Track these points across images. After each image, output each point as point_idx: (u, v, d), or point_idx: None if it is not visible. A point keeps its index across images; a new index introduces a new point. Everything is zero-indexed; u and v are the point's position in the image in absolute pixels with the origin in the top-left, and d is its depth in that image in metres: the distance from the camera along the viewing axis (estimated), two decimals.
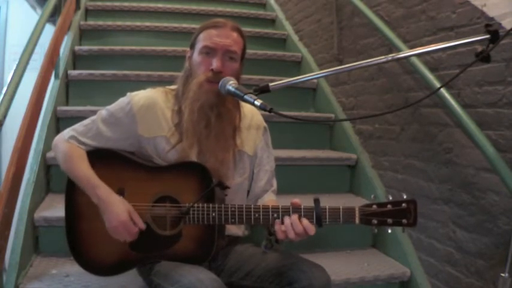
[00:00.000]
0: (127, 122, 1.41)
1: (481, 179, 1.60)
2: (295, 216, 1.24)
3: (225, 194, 1.38)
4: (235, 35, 1.40)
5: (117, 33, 3.27)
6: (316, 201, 1.25)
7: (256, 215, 1.29)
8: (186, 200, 1.33)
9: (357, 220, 1.25)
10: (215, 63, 1.35)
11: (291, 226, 1.23)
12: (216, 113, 1.37)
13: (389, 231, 1.27)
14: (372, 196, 1.32)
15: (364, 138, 2.43)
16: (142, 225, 1.32)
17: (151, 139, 1.41)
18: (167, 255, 1.35)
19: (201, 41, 1.39)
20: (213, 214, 1.30)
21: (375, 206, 1.25)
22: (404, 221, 1.23)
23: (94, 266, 1.41)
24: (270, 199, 1.51)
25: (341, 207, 1.25)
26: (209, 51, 1.37)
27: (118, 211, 1.30)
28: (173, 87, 1.48)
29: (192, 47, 1.44)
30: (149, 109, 1.41)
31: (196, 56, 1.40)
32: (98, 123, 1.42)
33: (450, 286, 1.74)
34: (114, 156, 1.41)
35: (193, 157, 1.39)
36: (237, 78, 1.38)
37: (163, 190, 1.35)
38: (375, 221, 1.24)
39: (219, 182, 1.33)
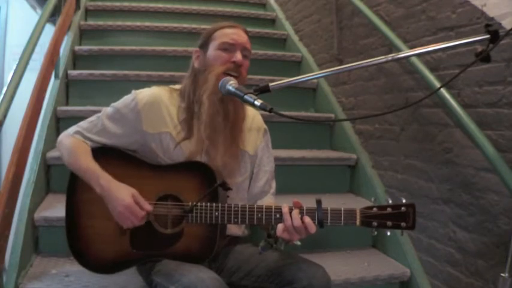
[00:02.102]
0: (132, 118, 1.42)
1: (481, 179, 1.60)
2: (296, 215, 1.24)
3: (227, 195, 1.38)
4: (246, 36, 1.47)
5: (117, 33, 3.27)
6: (318, 202, 1.25)
7: (259, 215, 1.29)
8: (189, 199, 1.33)
9: (358, 222, 1.26)
10: (237, 57, 1.40)
11: (292, 224, 1.23)
12: (233, 105, 1.40)
13: (389, 233, 1.28)
14: (373, 199, 1.33)
15: (364, 138, 2.43)
16: (149, 207, 1.32)
17: (157, 135, 1.42)
18: (168, 253, 1.35)
19: (218, 39, 1.43)
20: (216, 213, 1.30)
21: (375, 209, 1.26)
22: (403, 224, 1.25)
23: (94, 264, 1.41)
24: (270, 202, 1.51)
25: (342, 209, 1.26)
26: (228, 47, 1.42)
27: (122, 196, 1.30)
28: (177, 86, 1.50)
29: (204, 46, 1.46)
30: (154, 105, 1.42)
31: (213, 52, 1.43)
32: (103, 119, 1.44)
33: (450, 286, 1.74)
34: (117, 154, 1.42)
35: (202, 150, 1.40)
36: (246, 77, 1.44)
37: (166, 188, 1.36)
38: (375, 223, 1.25)
39: (222, 181, 1.33)
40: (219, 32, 1.44)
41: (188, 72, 1.48)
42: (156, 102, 1.43)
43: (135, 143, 1.44)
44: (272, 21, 3.80)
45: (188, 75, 1.48)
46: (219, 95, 1.36)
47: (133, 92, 1.46)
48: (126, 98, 1.45)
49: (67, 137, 1.44)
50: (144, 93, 1.44)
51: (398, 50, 1.93)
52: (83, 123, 1.46)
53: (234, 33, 1.43)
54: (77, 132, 1.44)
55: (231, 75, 1.36)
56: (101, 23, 3.32)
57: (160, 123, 1.42)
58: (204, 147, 1.40)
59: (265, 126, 1.59)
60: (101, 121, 1.44)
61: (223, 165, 1.39)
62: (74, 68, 2.87)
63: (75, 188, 1.40)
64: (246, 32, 1.48)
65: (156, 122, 1.42)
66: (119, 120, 1.43)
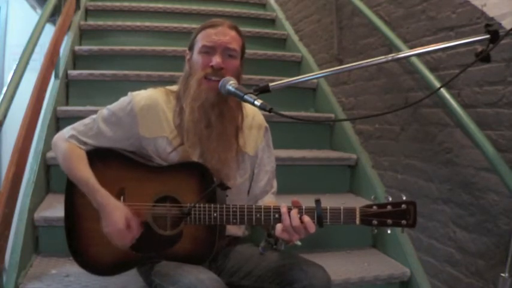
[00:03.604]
0: (128, 122, 1.40)
1: (481, 179, 1.60)
2: (295, 214, 1.23)
3: (226, 194, 1.38)
4: (233, 33, 1.40)
5: (117, 33, 3.27)
6: (317, 201, 1.25)
7: (258, 215, 1.29)
8: (187, 200, 1.33)
9: (358, 221, 1.25)
10: (215, 60, 1.35)
11: (291, 224, 1.22)
12: (217, 112, 1.36)
13: (389, 231, 1.27)
14: (372, 197, 1.33)
15: (364, 138, 2.43)
16: (138, 233, 1.32)
17: (152, 139, 1.41)
18: (167, 255, 1.35)
19: (200, 41, 1.39)
20: (215, 214, 1.30)
21: (375, 207, 1.25)
22: (403, 221, 1.24)
23: (94, 265, 1.41)
24: (270, 201, 1.50)
25: (342, 208, 1.26)
26: (208, 50, 1.37)
27: (115, 218, 1.29)
28: (174, 87, 1.48)
29: (191, 48, 1.44)
30: (150, 109, 1.41)
31: (195, 56, 1.40)
32: (98, 122, 1.42)
33: (450, 286, 1.74)
34: (115, 155, 1.41)
35: (195, 158, 1.38)
36: (238, 76, 1.40)
37: (164, 190, 1.35)
38: (375, 222, 1.25)
39: (220, 182, 1.33)
40: (201, 33, 1.40)
41: (182, 74, 1.46)
42: (153, 106, 1.41)
43: (131, 146, 1.43)
44: (272, 21, 3.80)
45: (182, 77, 1.45)
46: (199, 101, 1.35)
47: (129, 94, 1.44)
48: (123, 101, 1.43)
49: (62, 140, 1.41)
50: (141, 96, 1.42)
51: (398, 50, 1.93)
52: (78, 126, 1.43)
53: (216, 34, 1.37)
54: (72, 137, 1.41)
55: (212, 80, 1.34)
56: (100, 23, 3.32)
57: (157, 127, 1.41)
58: (197, 154, 1.38)
59: (266, 124, 1.57)
60: (96, 124, 1.41)
61: (219, 169, 1.37)
62: (74, 68, 2.87)
63: (73, 190, 1.39)
64: (234, 28, 1.41)
65: (153, 126, 1.40)
66: (114, 123, 1.41)
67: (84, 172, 1.35)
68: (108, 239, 1.33)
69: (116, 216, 1.30)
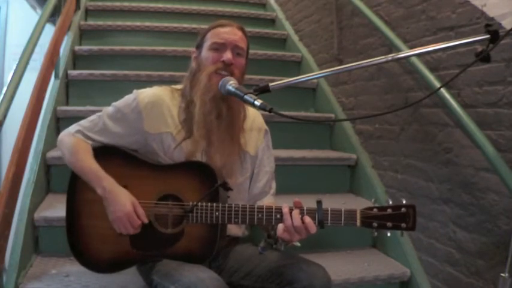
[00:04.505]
0: (133, 118, 1.42)
1: (481, 179, 1.60)
2: (297, 215, 1.24)
3: (228, 195, 1.38)
4: (240, 33, 1.45)
5: (117, 33, 3.27)
6: (319, 203, 1.25)
7: (260, 215, 1.29)
8: (189, 198, 1.33)
9: (358, 223, 1.26)
10: (226, 56, 1.39)
11: (292, 224, 1.23)
12: (226, 104, 1.39)
13: (389, 234, 1.28)
14: (373, 200, 1.33)
15: (364, 138, 2.43)
16: (145, 219, 1.33)
17: (157, 135, 1.42)
18: (168, 253, 1.35)
19: (210, 39, 1.43)
20: (217, 213, 1.31)
21: (375, 210, 1.26)
22: (403, 225, 1.24)
23: (94, 263, 1.41)
24: (269, 202, 1.51)
25: (343, 210, 1.26)
26: (219, 47, 1.41)
27: (123, 202, 1.31)
28: (179, 86, 1.50)
29: (199, 46, 1.47)
30: (155, 106, 1.43)
31: (205, 53, 1.43)
32: (104, 118, 1.44)
33: (450, 286, 1.74)
34: (118, 154, 1.42)
35: (199, 152, 1.40)
36: (243, 75, 1.44)
37: (166, 188, 1.36)
38: (375, 224, 1.25)
39: (223, 182, 1.33)
40: (211, 31, 1.44)
41: (187, 73, 1.49)
42: (158, 103, 1.43)
43: (136, 142, 1.44)
44: (272, 21, 3.80)
45: (187, 75, 1.48)
46: (211, 94, 1.37)
47: (134, 91, 1.46)
48: (128, 98, 1.45)
49: (68, 136, 1.44)
50: (146, 93, 1.44)
51: (398, 50, 1.93)
52: (83, 122, 1.46)
53: (226, 32, 1.42)
54: (78, 131, 1.44)
55: (221, 75, 1.37)
56: (100, 23, 3.32)
57: (162, 123, 1.43)
58: (202, 147, 1.40)
59: (265, 126, 1.59)
60: (101, 120, 1.44)
61: (222, 164, 1.39)
62: (74, 68, 2.87)
63: (76, 187, 1.41)
64: (241, 29, 1.47)
65: (158, 122, 1.42)
66: (119, 119, 1.43)
67: (90, 163, 1.37)
68: (109, 235, 1.34)
69: (123, 199, 1.31)
